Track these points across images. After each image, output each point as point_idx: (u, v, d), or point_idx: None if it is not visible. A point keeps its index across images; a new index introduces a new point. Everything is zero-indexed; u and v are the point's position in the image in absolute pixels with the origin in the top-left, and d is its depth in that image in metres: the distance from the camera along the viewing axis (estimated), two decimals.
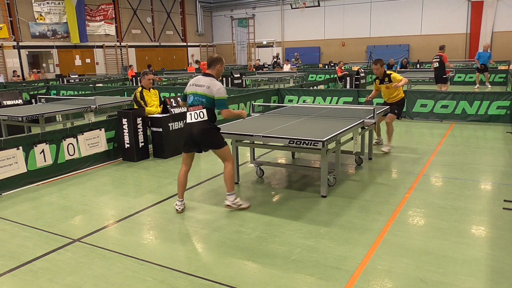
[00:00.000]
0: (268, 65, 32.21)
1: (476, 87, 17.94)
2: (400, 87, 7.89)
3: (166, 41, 36.77)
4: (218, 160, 8.03)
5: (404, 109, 11.66)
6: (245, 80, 20.17)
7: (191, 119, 5.14)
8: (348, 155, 7.47)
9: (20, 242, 4.71)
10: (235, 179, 6.53)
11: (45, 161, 7.01)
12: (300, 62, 30.41)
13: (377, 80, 8.41)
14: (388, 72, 8.18)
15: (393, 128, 8.26)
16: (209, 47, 41.33)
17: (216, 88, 5.08)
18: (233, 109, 5.61)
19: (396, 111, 8.13)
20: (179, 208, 5.45)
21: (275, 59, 31.21)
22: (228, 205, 5.41)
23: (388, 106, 8.07)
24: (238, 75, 19.98)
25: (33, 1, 26.71)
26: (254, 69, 28.06)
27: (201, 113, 5.09)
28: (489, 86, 18.00)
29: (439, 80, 14.86)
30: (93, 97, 10.35)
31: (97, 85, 18.71)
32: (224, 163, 5.35)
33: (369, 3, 33.12)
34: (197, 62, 29.49)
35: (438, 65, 14.61)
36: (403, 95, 8.31)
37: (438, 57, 14.72)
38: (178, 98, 8.78)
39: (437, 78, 14.89)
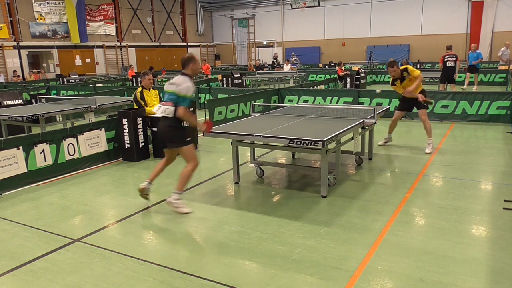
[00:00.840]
0: (268, 65, 32.22)
1: (463, 87, 17.46)
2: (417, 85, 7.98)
3: (166, 41, 36.78)
4: (218, 160, 8.10)
5: None
6: (245, 80, 20.17)
7: (159, 111, 5.28)
8: (348, 155, 7.47)
9: (20, 242, 4.71)
10: (235, 179, 6.55)
11: (45, 161, 7.01)
12: (298, 61, 30.43)
13: (397, 82, 8.20)
14: (402, 68, 8.17)
15: (430, 123, 8.21)
16: (209, 47, 41.35)
17: (184, 85, 5.14)
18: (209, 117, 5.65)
19: (424, 104, 8.12)
20: (141, 185, 5.60)
21: (275, 59, 31.24)
22: (169, 202, 5.32)
23: (392, 107, 8.08)
24: (238, 75, 19.98)
25: (33, 1, 26.72)
26: (254, 69, 28.06)
27: (167, 109, 5.15)
28: (474, 88, 17.14)
29: (452, 80, 14.77)
30: (93, 97, 10.35)
31: (97, 85, 18.71)
32: (187, 163, 5.32)
33: (369, 3, 33.12)
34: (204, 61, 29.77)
35: (454, 64, 14.54)
36: (422, 87, 8.27)
37: (454, 56, 14.61)
38: None
39: (450, 78, 14.76)
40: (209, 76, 22.31)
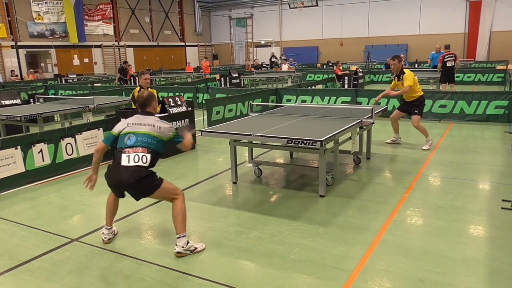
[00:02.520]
0: (266, 64, 32.21)
1: (431, 88, 17.19)
2: (400, 94, 8.18)
3: (164, 41, 36.74)
4: (217, 159, 8.09)
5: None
6: (243, 79, 20.17)
7: (128, 162, 4.14)
8: (346, 154, 7.47)
9: (18, 242, 4.71)
10: (233, 179, 6.54)
11: (43, 160, 7.00)
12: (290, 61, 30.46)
13: (395, 78, 8.43)
14: (404, 69, 8.25)
15: (423, 126, 8.33)
16: (207, 47, 41.33)
17: (165, 125, 4.41)
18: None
19: (416, 111, 8.21)
20: (105, 237, 4.62)
21: (273, 59, 31.23)
22: (179, 253, 4.26)
23: (394, 107, 8.16)
24: (236, 75, 19.98)
25: (31, 1, 26.64)
26: (253, 69, 28.07)
27: (144, 157, 4.16)
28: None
29: (452, 79, 14.75)
30: (91, 97, 10.33)
31: (95, 84, 18.68)
32: (172, 202, 4.37)
33: (367, 2, 33.15)
34: (205, 58, 29.89)
35: (454, 64, 14.52)
36: (421, 93, 8.32)
37: (453, 55, 14.56)
38: (177, 98, 8.77)
39: (450, 78, 14.72)
40: (207, 76, 22.19)
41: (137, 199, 4.37)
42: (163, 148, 4.37)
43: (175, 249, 4.26)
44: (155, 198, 4.43)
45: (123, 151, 4.21)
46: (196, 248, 4.34)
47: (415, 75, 8.18)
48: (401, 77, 8.19)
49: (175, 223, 4.30)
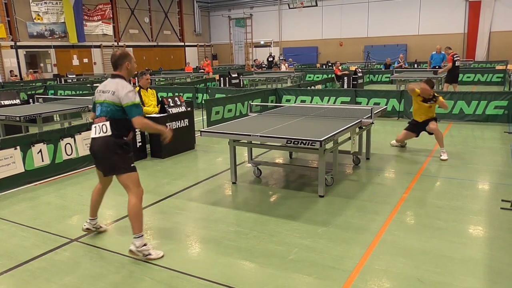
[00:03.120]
0: (265, 65, 32.22)
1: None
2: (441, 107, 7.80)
3: (163, 41, 36.75)
4: (216, 159, 8.09)
5: (402, 109, 11.71)
6: (242, 80, 20.17)
7: (95, 134, 4.16)
8: (345, 155, 7.47)
9: (17, 242, 4.70)
10: (232, 179, 6.54)
11: (42, 161, 7.00)
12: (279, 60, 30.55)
13: (418, 98, 7.79)
14: (436, 94, 7.75)
15: (441, 134, 7.85)
16: (207, 47, 41.34)
17: (124, 91, 4.05)
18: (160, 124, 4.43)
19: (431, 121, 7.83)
20: (84, 226, 4.71)
21: (270, 59, 31.25)
22: (131, 251, 4.15)
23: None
24: (236, 75, 19.99)
25: (30, 1, 26.64)
26: (255, 68, 28.12)
27: (103, 126, 4.08)
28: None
29: (456, 79, 14.62)
30: (90, 97, 10.32)
31: (94, 85, 18.64)
32: (128, 194, 4.21)
33: (367, 3, 33.18)
34: (206, 58, 29.93)
35: (458, 64, 14.45)
36: (435, 115, 7.97)
37: (458, 55, 14.52)
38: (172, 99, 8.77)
39: (456, 77, 14.60)
40: (211, 75, 21.96)
41: (104, 174, 4.35)
42: (123, 115, 4.09)
43: (130, 247, 4.17)
44: (120, 181, 4.22)
45: (93, 122, 4.21)
46: (150, 254, 4.14)
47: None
48: (432, 99, 7.68)
49: (130, 221, 4.16)
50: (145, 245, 4.16)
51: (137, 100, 4.08)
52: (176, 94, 14.21)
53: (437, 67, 16.86)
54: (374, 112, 6.71)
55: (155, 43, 35.87)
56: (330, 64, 29.87)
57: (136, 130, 6.56)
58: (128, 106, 4.03)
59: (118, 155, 4.13)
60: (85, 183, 6.81)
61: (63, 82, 23.19)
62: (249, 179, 6.79)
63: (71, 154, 7.46)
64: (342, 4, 34.03)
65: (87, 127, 7.81)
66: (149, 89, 8.74)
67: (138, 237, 4.14)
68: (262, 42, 38.95)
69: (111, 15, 31.72)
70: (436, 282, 3.63)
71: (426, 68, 24.08)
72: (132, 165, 4.23)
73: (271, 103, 13.26)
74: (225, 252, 4.32)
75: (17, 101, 11.50)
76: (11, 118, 8.57)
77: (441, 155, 7.59)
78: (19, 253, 4.42)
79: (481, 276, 3.71)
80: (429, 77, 7.89)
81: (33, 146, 6.85)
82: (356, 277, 3.75)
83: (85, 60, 30.51)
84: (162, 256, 4.19)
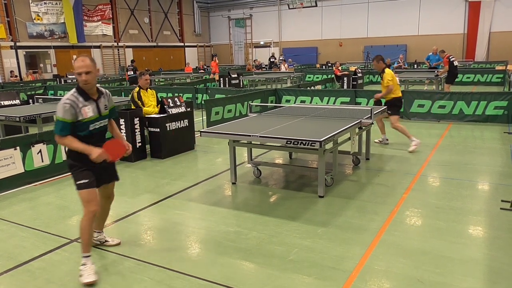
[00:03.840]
0: (265, 65, 32.22)
1: (425, 88, 17.22)
2: (388, 91, 8.14)
3: (163, 41, 36.74)
4: (216, 160, 8.10)
5: (402, 109, 11.68)
6: (242, 80, 20.17)
7: None
8: (345, 155, 7.47)
9: (17, 242, 4.70)
10: (232, 180, 6.54)
11: (42, 161, 7.00)
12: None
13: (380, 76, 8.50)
14: (385, 69, 8.27)
15: (402, 126, 8.31)
16: (207, 47, 41.33)
17: (58, 107, 3.74)
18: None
19: (389, 111, 8.20)
20: (94, 239, 4.39)
21: (272, 59, 31.26)
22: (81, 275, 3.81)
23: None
24: (236, 75, 19.99)
25: (30, 1, 26.63)
26: (254, 69, 28.12)
27: None
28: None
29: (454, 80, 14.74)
30: None
31: None
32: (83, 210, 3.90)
33: (367, 3, 33.17)
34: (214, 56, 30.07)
35: (456, 64, 14.52)
36: (399, 95, 8.34)
37: (453, 56, 14.54)
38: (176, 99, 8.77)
39: (455, 78, 14.68)
40: (217, 77, 21.76)
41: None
42: (56, 127, 3.76)
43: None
44: None
45: None
46: (81, 276, 3.77)
47: (396, 75, 8.25)
48: (382, 75, 8.25)
49: (80, 238, 3.94)
50: (85, 265, 3.83)
51: (59, 115, 3.71)
52: (176, 94, 14.20)
53: (435, 64, 17.05)
54: (374, 113, 6.71)
55: (154, 44, 35.87)
56: (330, 64, 29.88)
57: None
58: (57, 121, 3.79)
59: (70, 171, 3.94)
60: None
61: (63, 83, 23.20)
62: (249, 179, 6.79)
63: None
64: (342, 5, 34.03)
65: None
66: (149, 89, 8.73)
67: (84, 257, 3.86)
68: (262, 43, 38.95)
69: (111, 16, 31.71)
70: (436, 282, 3.63)
71: (425, 69, 24.10)
72: (78, 182, 3.84)
73: (271, 103, 13.27)
74: (225, 252, 4.32)
75: (17, 101, 11.51)
76: (11, 118, 8.57)
77: (409, 148, 8.11)
78: (18, 254, 4.42)
79: (481, 276, 3.71)
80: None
81: (33, 146, 6.85)
82: (356, 278, 3.75)
83: None
84: (92, 283, 3.75)
